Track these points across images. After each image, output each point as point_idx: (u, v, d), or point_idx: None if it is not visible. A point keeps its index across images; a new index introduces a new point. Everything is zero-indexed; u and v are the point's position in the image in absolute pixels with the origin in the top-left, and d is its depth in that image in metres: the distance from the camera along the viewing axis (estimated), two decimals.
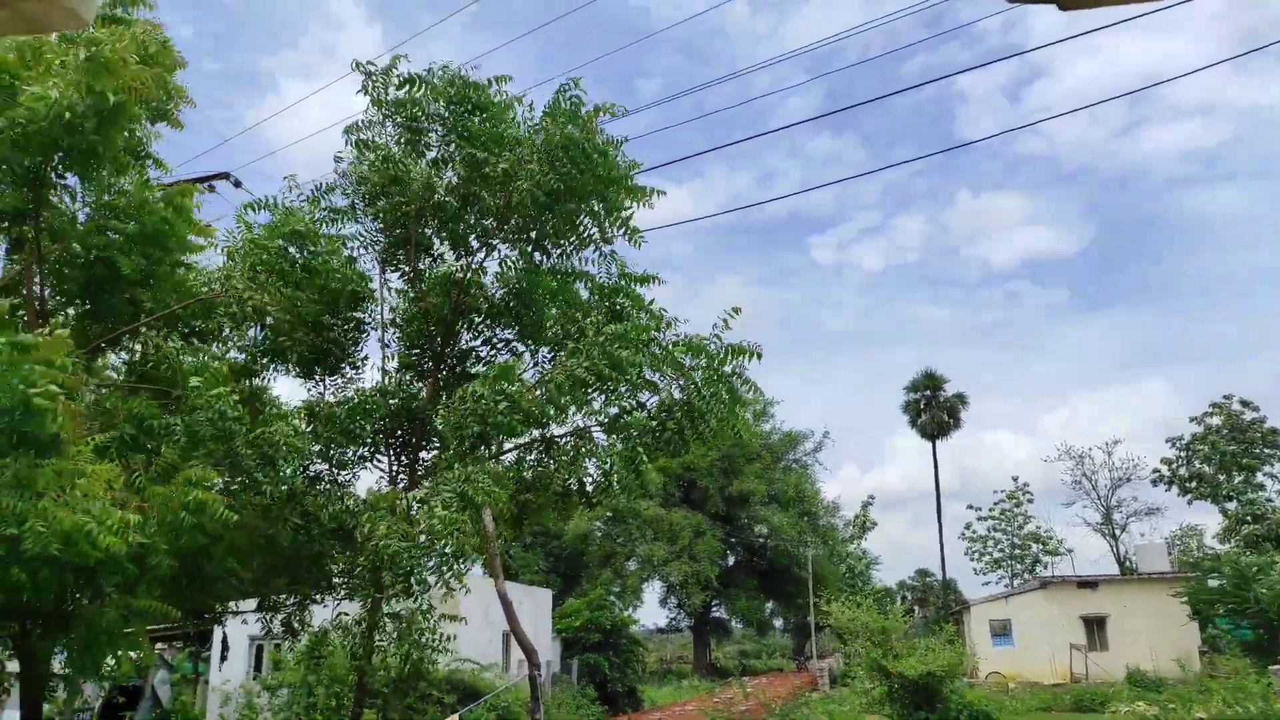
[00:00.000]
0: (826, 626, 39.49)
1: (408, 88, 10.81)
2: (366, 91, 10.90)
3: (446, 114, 10.96)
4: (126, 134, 8.67)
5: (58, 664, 9.27)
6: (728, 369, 10.65)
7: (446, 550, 9.17)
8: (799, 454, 57.21)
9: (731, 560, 55.05)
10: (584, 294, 11.90)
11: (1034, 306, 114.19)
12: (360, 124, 11.16)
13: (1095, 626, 37.13)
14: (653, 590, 53.57)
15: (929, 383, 57.38)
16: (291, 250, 10.10)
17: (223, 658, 16.65)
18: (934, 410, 56.90)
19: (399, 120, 11.08)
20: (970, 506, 71.80)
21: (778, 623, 69.31)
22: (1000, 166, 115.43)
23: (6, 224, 8.69)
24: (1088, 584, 38.69)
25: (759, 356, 10.51)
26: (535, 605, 31.29)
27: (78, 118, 7.58)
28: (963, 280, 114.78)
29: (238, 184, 12.93)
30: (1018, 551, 60.79)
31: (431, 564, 9.42)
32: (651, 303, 11.33)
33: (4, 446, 6.65)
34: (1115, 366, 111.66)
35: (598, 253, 11.55)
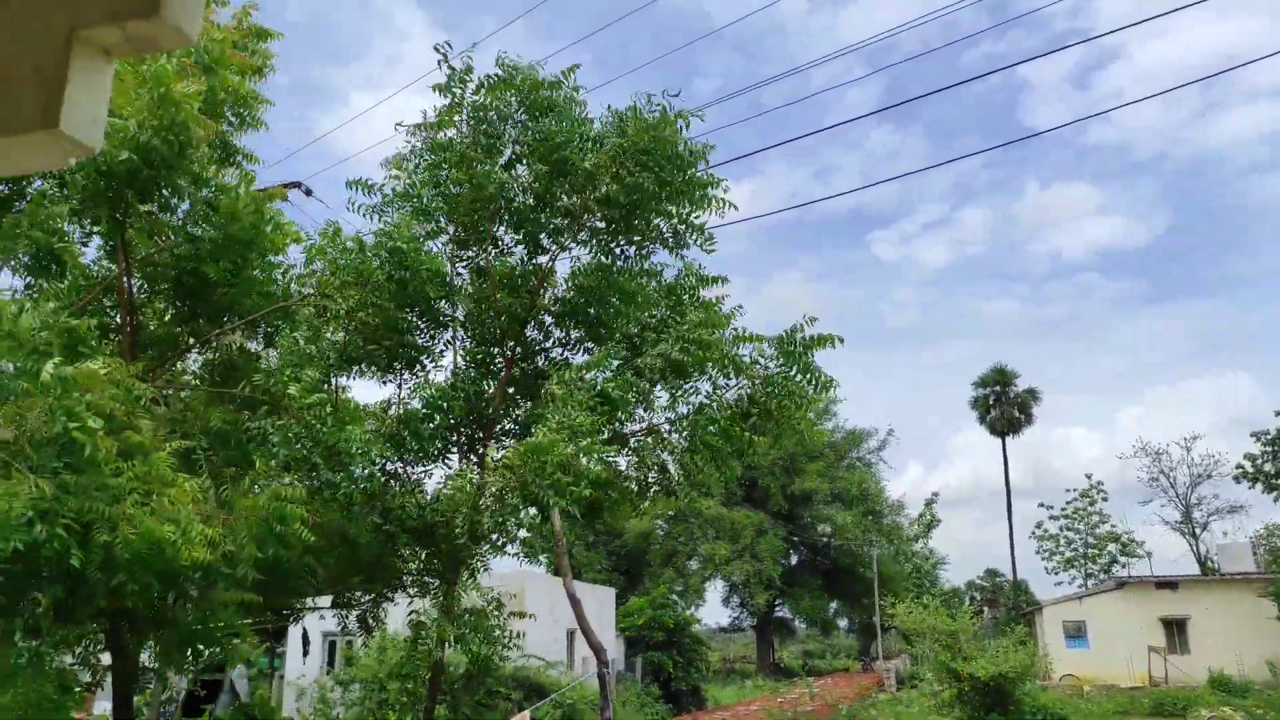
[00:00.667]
0: (892, 627, 38.95)
1: (483, 91, 10.99)
2: (446, 89, 11.05)
3: (521, 114, 11.13)
4: (207, 147, 8.98)
5: (146, 658, 9.68)
6: (809, 359, 10.70)
7: (508, 518, 9.35)
8: (862, 452, 56.52)
9: (794, 559, 54.64)
10: (655, 294, 12.01)
11: (1105, 299, 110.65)
12: (430, 123, 11.35)
13: (1175, 628, 35.92)
14: (715, 589, 53.45)
15: (998, 378, 56.15)
16: (380, 258, 10.35)
17: (304, 652, 17.19)
18: (1004, 406, 55.67)
19: (473, 121, 11.26)
20: (1042, 504, 70.17)
21: (842, 623, 68.51)
22: (1069, 156, 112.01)
23: (109, 225, 9.08)
24: (1167, 584, 37.44)
25: (840, 342, 10.59)
26: (599, 603, 31.49)
27: (152, 151, 7.95)
28: (1030, 273, 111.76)
29: (309, 193, 13.32)
30: (1091, 551, 59.08)
31: (510, 526, 9.56)
32: (718, 301, 11.37)
33: (86, 461, 6.85)
34: (1192, 360, 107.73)
35: (671, 254, 11.67)
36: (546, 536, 10.54)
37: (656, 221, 11.43)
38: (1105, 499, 59.54)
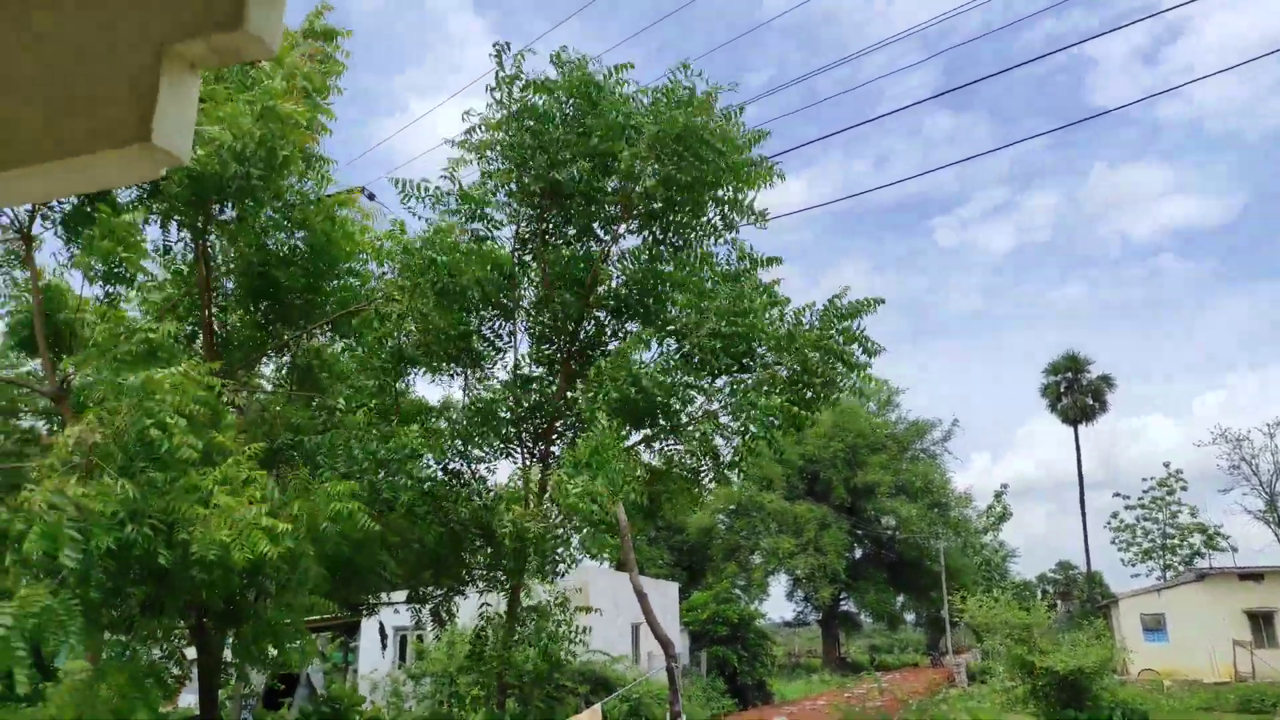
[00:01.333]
0: (961, 621, 38.23)
1: (531, 89, 11.09)
2: (498, 88, 11.18)
3: (570, 108, 11.20)
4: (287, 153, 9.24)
5: (228, 654, 10.02)
6: (848, 325, 10.61)
7: (582, 526, 9.44)
8: (926, 443, 55.54)
9: (859, 553, 53.98)
10: (707, 282, 11.98)
11: (1180, 281, 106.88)
12: (489, 120, 11.49)
13: (1261, 621, 34.52)
14: (779, 583, 53.09)
15: (1070, 365, 54.63)
16: (440, 259, 10.54)
17: (384, 645, 17.61)
18: (1076, 394, 54.15)
19: (522, 119, 11.37)
20: (1117, 494, 68.00)
21: (909, 617, 67.48)
22: (1138, 134, 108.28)
23: (193, 231, 9.43)
24: (1251, 575, 36.00)
25: (880, 303, 10.51)
26: (662, 598, 31.53)
27: (246, 164, 8.21)
28: (1101, 257, 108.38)
29: (372, 197, 13.58)
30: (1170, 542, 57.16)
31: (575, 542, 9.68)
32: (775, 284, 11.28)
33: (129, 466, 7.10)
34: (1274, 342, 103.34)
35: (722, 239, 11.65)
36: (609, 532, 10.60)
37: (708, 207, 11.42)
38: (1185, 488, 57.57)
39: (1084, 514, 54.00)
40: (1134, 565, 58.49)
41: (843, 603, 54.45)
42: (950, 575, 47.70)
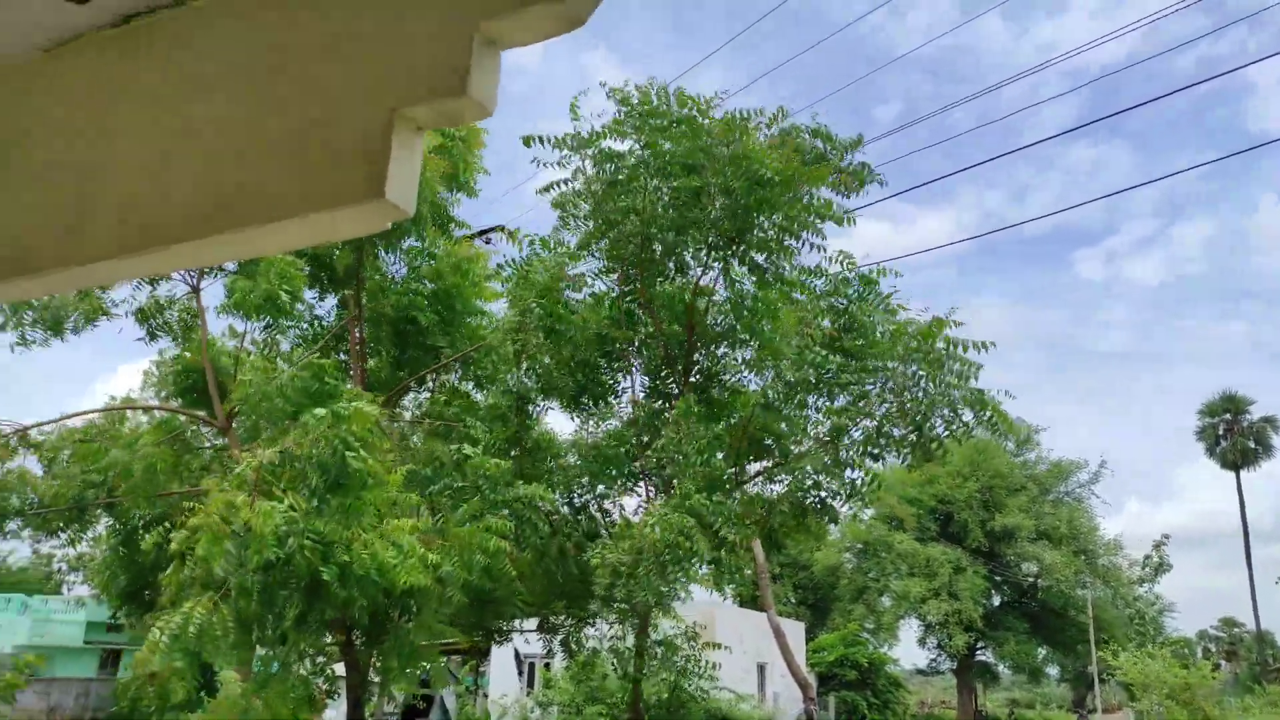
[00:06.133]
0: (1110, 678, 35.68)
1: (628, 127, 11.21)
2: (583, 142, 11.33)
3: (657, 146, 11.27)
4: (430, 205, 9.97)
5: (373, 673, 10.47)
6: (958, 368, 10.08)
7: (667, 560, 9.40)
8: (1070, 486, 52.39)
9: (997, 600, 51.24)
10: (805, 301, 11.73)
11: None
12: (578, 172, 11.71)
13: None
14: (910, 628, 50.94)
15: (1228, 405, 50.68)
16: (548, 304, 10.98)
17: (519, 672, 17.99)
18: (1236, 436, 50.13)
19: (616, 161, 11.53)
20: None
21: (1052, 670, 63.39)
22: None
23: (336, 284, 10.20)
24: None
25: (990, 346, 9.93)
26: (788, 638, 30.87)
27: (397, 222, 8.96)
28: (1261, 291, 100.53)
29: (511, 235, 14.11)
30: None
31: (674, 573, 9.65)
32: (889, 296, 10.88)
33: (318, 492, 7.69)
34: None
35: (814, 251, 11.42)
36: (734, 568, 10.51)
37: (772, 230, 11.21)
38: None
39: (1250, 566, 49.72)
40: None
41: (979, 652, 51.71)
42: (1098, 627, 44.64)
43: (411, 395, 11.98)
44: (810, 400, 11.01)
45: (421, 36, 1.48)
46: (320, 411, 6.85)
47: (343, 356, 11.34)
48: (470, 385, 11.73)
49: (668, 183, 10.95)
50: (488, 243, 14.10)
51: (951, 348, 9.95)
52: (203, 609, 7.22)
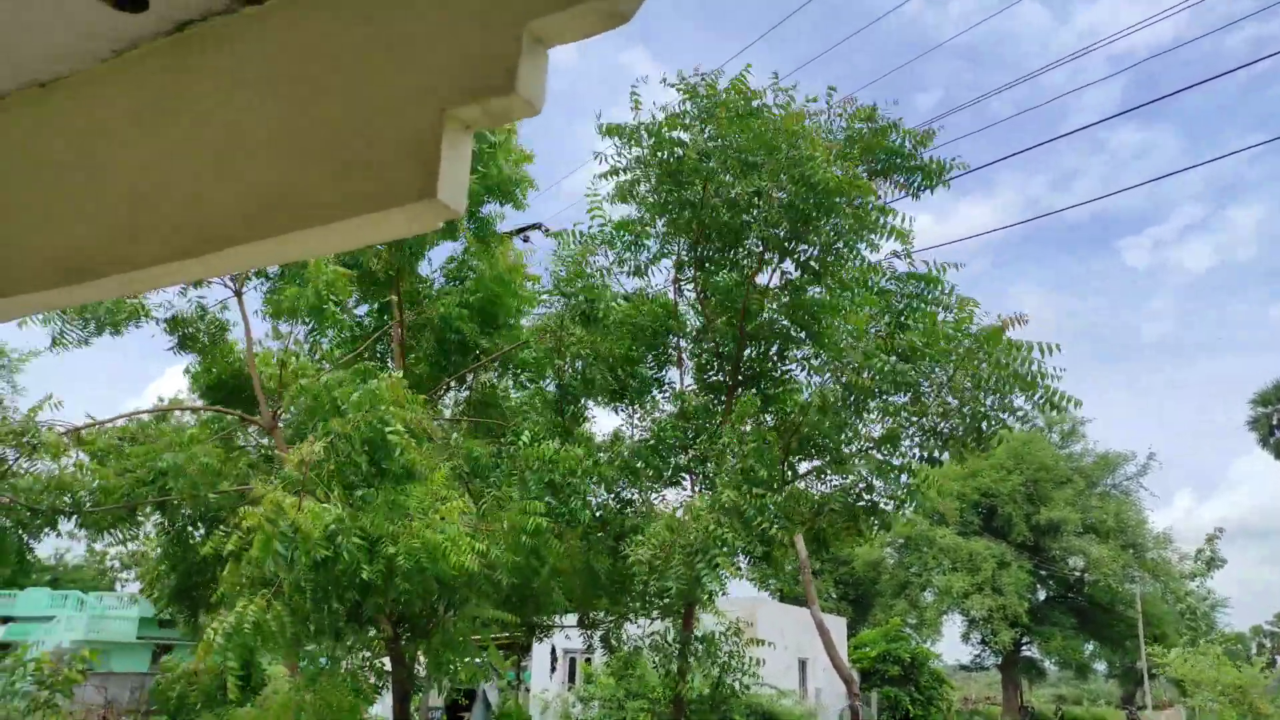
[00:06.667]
0: (1159, 674, 34.97)
1: (679, 130, 11.20)
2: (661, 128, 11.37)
3: (716, 139, 11.24)
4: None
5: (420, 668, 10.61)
6: (1014, 362, 9.82)
7: (698, 553, 9.37)
8: (1118, 478, 51.41)
9: (1043, 595, 50.51)
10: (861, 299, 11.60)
11: None
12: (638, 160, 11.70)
13: None
14: (953, 623, 50.42)
15: None
16: (588, 299, 11.06)
17: (553, 668, 18.14)
18: None
19: (673, 152, 11.50)
20: None
21: (1099, 666, 62.35)
22: None
23: (376, 288, 10.44)
24: None
25: (1056, 349, 9.58)
26: (831, 633, 30.68)
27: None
28: None
29: (548, 233, 14.18)
30: None
31: (702, 568, 9.62)
32: (951, 290, 10.64)
33: (369, 478, 7.88)
34: None
35: (869, 248, 11.29)
36: (780, 564, 10.48)
37: (827, 235, 11.08)
38: None
39: None
40: None
41: (1025, 647, 51.04)
42: (1148, 622, 43.80)
43: (451, 394, 12.15)
44: (871, 404, 10.83)
45: (469, 36, 1.48)
46: (356, 395, 7.06)
47: (379, 358, 11.60)
48: (508, 384, 11.92)
49: (727, 177, 10.94)
50: (526, 240, 14.18)
51: (1015, 349, 9.68)
52: (256, 607, 7.40)
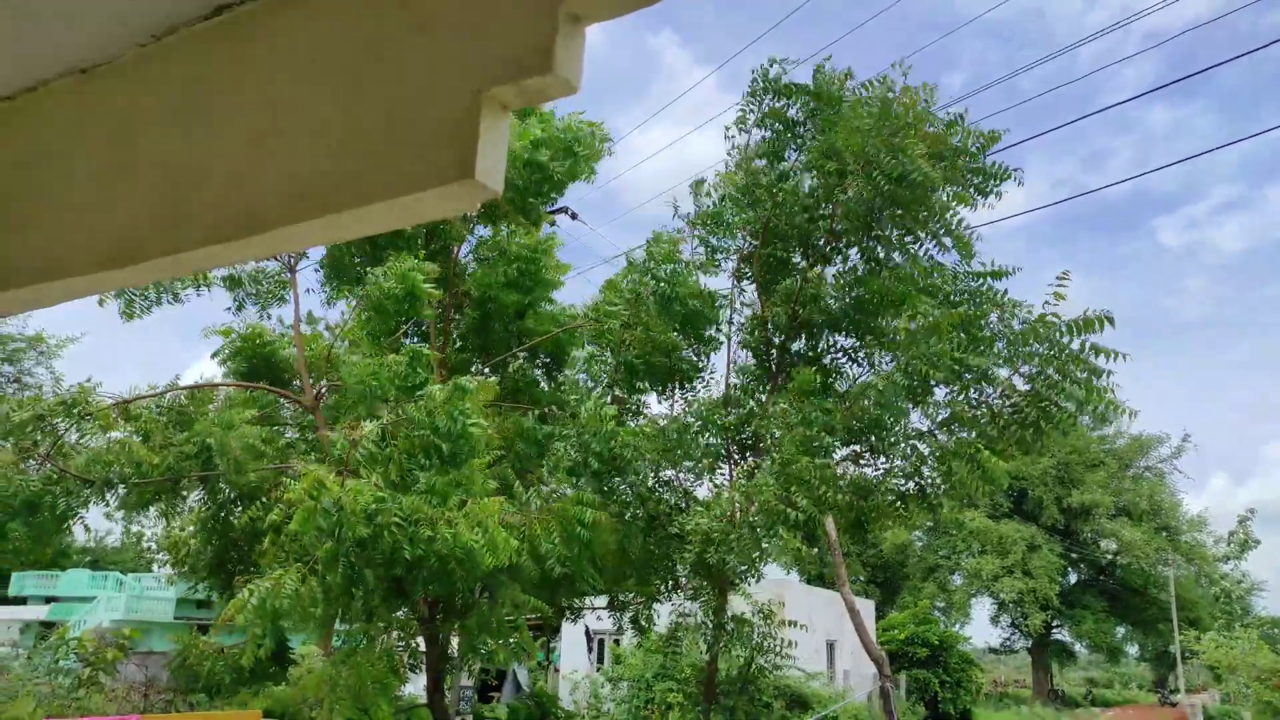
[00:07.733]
0: (1193, 657, 34.61)
1: (784, 99, 11.28)
2: (754, 94, 11.43)
3: (807, 124, 11.29)
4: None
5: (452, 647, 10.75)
6: (1075, 345, 9.70)
7: (760, 535, 9.40)
8: (1151, 460, 50.74)
9: (1074, 578, 50.08)
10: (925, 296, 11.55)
11: None
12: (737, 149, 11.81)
13: None
14: (982, 606, 50.19)
15: None
16: (648, 284, 11.16)
17: (589, 649, 18.30)
18: None
19: (767, 134, 11.62)
20: None
21: (1131, 650, 61.77)
22: None
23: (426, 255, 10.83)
24: None
25: (1108, 323, 9.47)
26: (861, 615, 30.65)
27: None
28: None
29: (574, 216, 14.18)
30: None
31: (762, 548, 9.64)
32: (1003, 294, 10.62)
33: (441, 467, 8.02)
34: None
35: (938, 248, 11.24)
36: (817, 544, 10.50)
37: (911, 226, 11.01)
38: None
39: None
40: None
41: (1055, 630, 50.69)
42: (1181, 606, 43.29)
43: (482, 378, 12.31)
44: (936, 392, 10.79)
45: (506, 16, 1.48)
46: (437, 387, 7.25)
47: (416, 340, 11.70)
48: (541, 372, 12.08)
49: (821, 172, 11.01)
50: (552, 224, 14.18)
51: (1084, 348, 9.58)
52: (293, 578, 7.48)
